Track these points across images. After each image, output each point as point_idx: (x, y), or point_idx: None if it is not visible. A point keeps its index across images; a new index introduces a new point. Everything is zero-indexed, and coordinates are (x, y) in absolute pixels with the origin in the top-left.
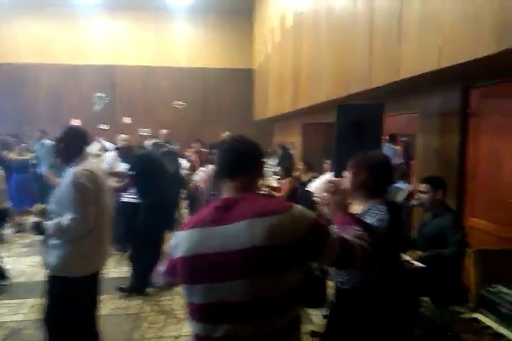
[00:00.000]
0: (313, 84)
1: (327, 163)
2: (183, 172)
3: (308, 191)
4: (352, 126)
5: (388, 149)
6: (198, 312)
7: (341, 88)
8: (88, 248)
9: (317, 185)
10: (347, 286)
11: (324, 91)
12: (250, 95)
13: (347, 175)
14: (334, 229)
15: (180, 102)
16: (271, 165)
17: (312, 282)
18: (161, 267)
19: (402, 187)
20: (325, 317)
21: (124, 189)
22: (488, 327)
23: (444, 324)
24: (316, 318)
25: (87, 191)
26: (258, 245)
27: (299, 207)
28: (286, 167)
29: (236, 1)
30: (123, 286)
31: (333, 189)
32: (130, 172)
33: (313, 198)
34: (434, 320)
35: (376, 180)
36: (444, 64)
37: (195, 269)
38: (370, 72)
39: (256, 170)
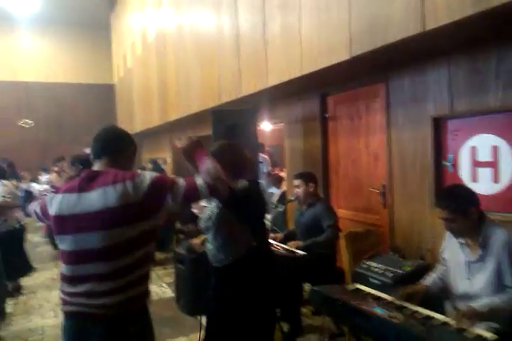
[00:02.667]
0: (182, 96)
1: None
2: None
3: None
4: (227, 131)
5: (261, 157)
6: (66, 257)
7: (212, 98)
8: None
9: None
10: (220, 264)
11: (195, 102)
12: (112, 111)
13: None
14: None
15: (28, 120)
16: None
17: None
18: (37, 208)
19: (274, 192)
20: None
21: None
22: (370, 294)
23: (334, 296)
24: None
25: None
26: (110, 206)
27: (146, 173)
28: None
29: (89, 12)
30: None
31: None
32: None
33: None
34: (325, 294)
35: (230, 164)
36: (306, 70)
37: (62, 225)
38: (240, 82)
39: (118, 152)
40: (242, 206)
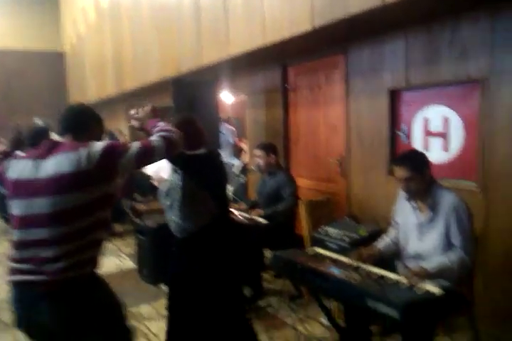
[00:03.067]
0: (139, 65)
1: None
2: None
3: (143, 173)
4: (188, 102)
5: (226, 129)
6: (17, 222)
7: (172, 67)
8: None
9: (155, 167)
10: (184, 235)
11: (153, 72)
12: (63, 80)
13: None
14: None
15: None
16: None
17: None
18: None
19: (235, 163)
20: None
21: None
22: (328, 257)
23: (294, 259)
24: None
25: None
26: (63, 172)
27: (99, 143)
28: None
29: None
30: None
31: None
32: None
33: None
34: (286, 257)
35: (187, 138)
36: (268, 41)
37: (17, 190)
38: (201, 52)
39: (80, 130)
40: (201, 171)
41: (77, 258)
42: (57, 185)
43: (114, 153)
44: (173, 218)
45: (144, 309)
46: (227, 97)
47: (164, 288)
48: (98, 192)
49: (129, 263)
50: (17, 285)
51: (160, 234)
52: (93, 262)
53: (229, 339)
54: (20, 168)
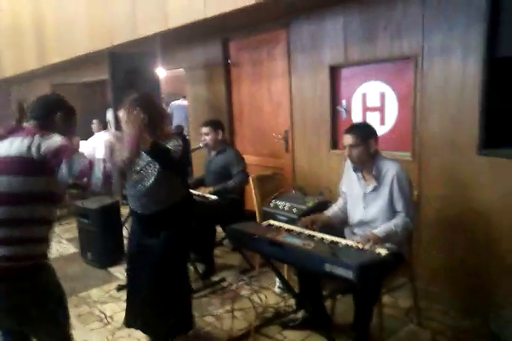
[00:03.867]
0: (64, 36)
1: (95, 123)
2: None
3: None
4: (126, 75)
5: (179, 106)
6: None
7: (103, 40)
8: None
9: (90, 147)
10: (147, 212)
11: (81, 44)
12: None
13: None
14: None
15: None
16: None
17: None
18: None
19: None
20: None
21: None
22: (281, 227)
23: (250, 231)
24: (120, 275)
25: None
26: (10, 155)
27: (58, 138)
28: None
29: None
30: None
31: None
32: None
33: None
34: (242, 230)
35: (153, 117)
36: (209, 14)
37: None
38: (135, 23)
39: (42, 117)
40: (178, 163)
41: (15, 246)
42: (7, 167)
43: (60, 156)
44: (139, 197)
45: (95, 293)
46: (160, 71)
47: (113, 270)
48: (33, 184)
49: (71, 248)
50: None
51: (104, 216)
52: (26, 258)
53: (167, 311)
54: None
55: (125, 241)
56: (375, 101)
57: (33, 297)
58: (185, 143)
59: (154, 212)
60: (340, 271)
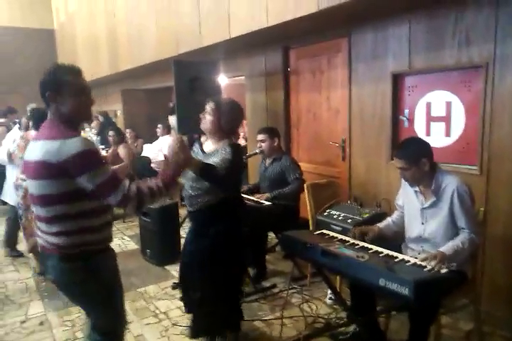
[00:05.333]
0: (134, 45)
1: (160, 127)
2: None
3: (143, 157)
4: (190, 83)
5: None
6: (31, 198)
7: (170, 48)
8: None
9: (155, 150)
10: (196, 208)
11: (149, 52)
12: (53, 59)
13: (206, 117)
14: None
15: None
16: (92, 135)
17: None
18: None
19: None
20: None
21: None
22: (334, 237)
23: (303, 239)
24: (176, 273)
25: None
26: (37, 159)
27: (76, 138)
28: (119, 131)
29: None
30: None
31: (180, 147)
32: None
33: (151, 164)
34: (295, 237)
35: (229, 122)
36: (271, 22)
37: (25, 169)
38: (200, 32)
39: (51, 95)
40: (230, 182)
41: (69, 237)
42: (34, 170)
43: (84, 162)
44: (191, 193)
45: (152, 289)
46: (223, 79)
47: (169, 268)
48: (66, 185)
49: (132, 245)
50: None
51: (164, 216)
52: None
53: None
54: (28, 148)
55: (182, 241)
56: (440, 110)
57: (82, 277)
58: (238, 149)
59: (201, 207)
60: (395, 287)
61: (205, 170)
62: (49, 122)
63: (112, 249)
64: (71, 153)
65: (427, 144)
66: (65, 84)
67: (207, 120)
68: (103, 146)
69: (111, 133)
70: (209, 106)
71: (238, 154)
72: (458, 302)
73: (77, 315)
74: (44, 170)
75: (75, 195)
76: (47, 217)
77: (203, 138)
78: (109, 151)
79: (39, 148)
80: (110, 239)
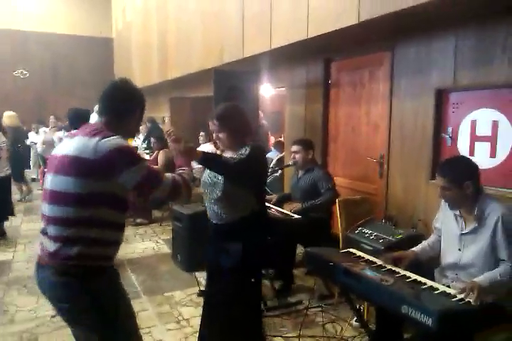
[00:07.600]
0: (182, 53)
1: (202, 135)
2: None
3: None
4: (229, 93)
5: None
6: (44, 195)
7: (214, 58)
8: None
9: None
10: (221, 222)
11: (196, 61)
12: (109, 66)
13: (220, 136)
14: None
15: (23, 71)
16: (139, 140)
17: None
18: None
19: (271, 156)
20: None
21: None
22: (361, 257)
23: (327, 257)
24: (203, 280)
25: None
26: (69, 154)
27: (118, 140)
28: (161, 137)
29: None
30: None
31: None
32: None
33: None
34: (318, 254)
35: (240, 129)
36: (312, 33)
37: (49, 164)
38: (243, 42)
39: (121, 115)
40: (245, 177)
41: (77, 245)
42: (61, 165)
43: (122, 158)
44: (212, 206)
45: (178, 294)
46: (265, 90)
47: (197, 275)
48: (94, 186)
49: (165, 249)
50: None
51: (195, 222)
52: (95, 256)
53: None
54: (60, 145)
55: None
56: (486, 130)
57: (80, 297)
58: (256, 148)
59: (222, 222)
60: (418, 316)
61: (208, 156)
62: (95, 125)
63: (116, 269)
64: (109, 149)
65: (475, 166)
66: (143, 107)
67: (222, 138)
68: (147, 151)
69: (153, 139)
70: (214, 125)
71: (255, 152)
72: (496, 339)
73: None
74: (74, 165)
75: (100, 199)
76: (62, 217)
77: (218, 151)
78: (152, 156)
79: (74, 144)
80: (114, 258)
